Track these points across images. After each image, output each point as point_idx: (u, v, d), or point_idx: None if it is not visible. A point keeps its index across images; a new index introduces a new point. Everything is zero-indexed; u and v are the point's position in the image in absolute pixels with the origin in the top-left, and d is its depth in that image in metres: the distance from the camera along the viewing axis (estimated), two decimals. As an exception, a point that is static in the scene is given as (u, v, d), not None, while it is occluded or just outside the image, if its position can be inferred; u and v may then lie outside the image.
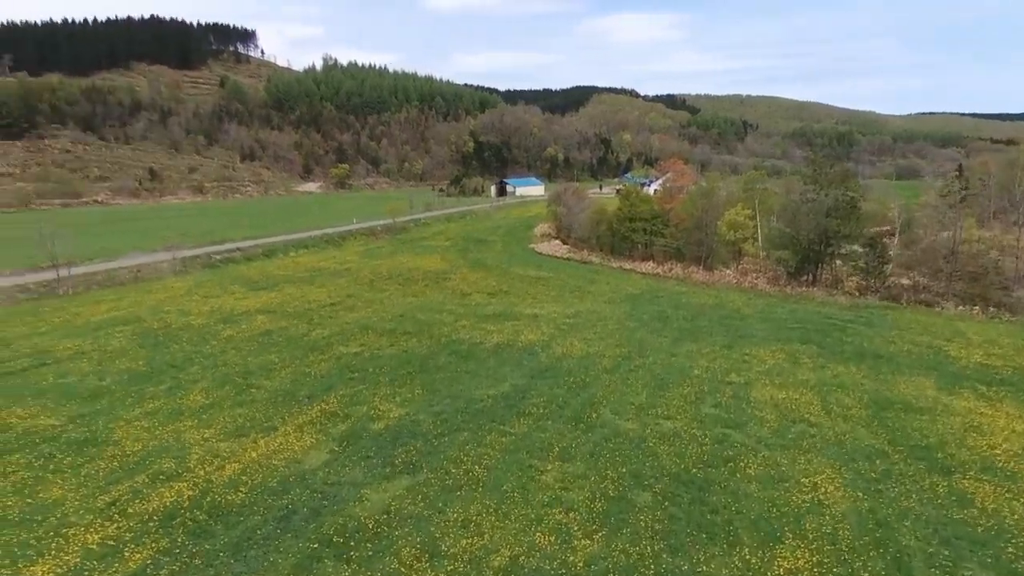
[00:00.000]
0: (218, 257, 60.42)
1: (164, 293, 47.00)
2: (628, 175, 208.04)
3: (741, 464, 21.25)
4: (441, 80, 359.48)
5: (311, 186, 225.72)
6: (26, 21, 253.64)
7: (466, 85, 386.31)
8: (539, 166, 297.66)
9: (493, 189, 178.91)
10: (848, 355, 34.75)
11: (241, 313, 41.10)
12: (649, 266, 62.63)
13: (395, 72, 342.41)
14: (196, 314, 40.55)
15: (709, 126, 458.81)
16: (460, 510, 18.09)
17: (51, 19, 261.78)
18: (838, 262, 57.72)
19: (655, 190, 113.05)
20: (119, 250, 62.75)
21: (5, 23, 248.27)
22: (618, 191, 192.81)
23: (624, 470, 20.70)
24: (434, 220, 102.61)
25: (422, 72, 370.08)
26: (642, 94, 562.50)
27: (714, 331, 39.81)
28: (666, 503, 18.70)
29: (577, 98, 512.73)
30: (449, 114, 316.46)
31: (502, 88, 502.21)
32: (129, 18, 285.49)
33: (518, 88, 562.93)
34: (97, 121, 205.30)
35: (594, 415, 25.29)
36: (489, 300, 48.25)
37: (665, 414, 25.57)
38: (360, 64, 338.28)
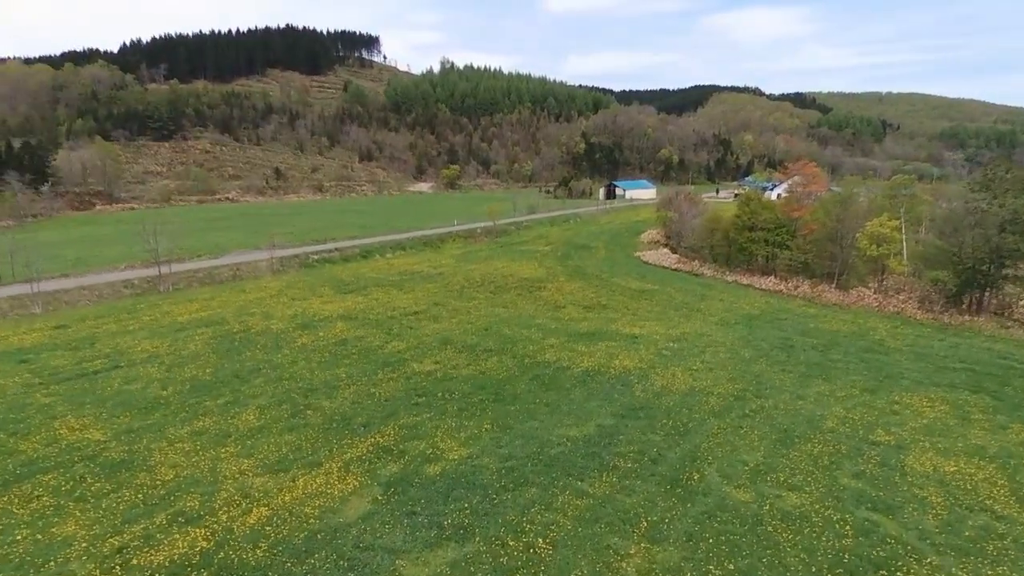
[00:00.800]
0: (315, 257, 60.31)
1: (256, 293, 46.73)
2: (749, 179, 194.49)
3: (898, 575, 15.62)
4: (554, 81, 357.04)
5: (423, 186, 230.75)
6: (180, 33, 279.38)
7: (580, 86, 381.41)
8: (652, 168, 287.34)
9: (601, 191, 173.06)
10: (1039, 412, 27.07)
11: (322, 319, 39.50)
12: (770, 282, 55.25)
13: (509, 74, 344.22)
14: (279, 318, 39.41)
15: (842, 126, 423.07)
16: (510, 609, 14.07)
17: (200, 31, 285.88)
18: (1012, 286, 47.73)
19: (778, 195, 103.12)
20: (226, 247, 64.54)
21: (162, 36, 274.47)
22: (736, 195, 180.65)
23: (732, 567, 15.76)
24: (536, 223, 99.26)
25: (537, 74, 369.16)
26: (766, 92, 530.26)
27: (851, 367, 33.01)
28: (791, 631, 13.63)
29: (695, 98, 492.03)
30: (561, 115, 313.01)
31: (617, 89, 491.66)
32: (267, 28, 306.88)
33: (633, 88, 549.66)
34: (234, 124, 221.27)
35: (696, 476, 20.36)
36: (584, 315, 43.84)
37: (789, 482, 20.13)
38: (475, 66, 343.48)
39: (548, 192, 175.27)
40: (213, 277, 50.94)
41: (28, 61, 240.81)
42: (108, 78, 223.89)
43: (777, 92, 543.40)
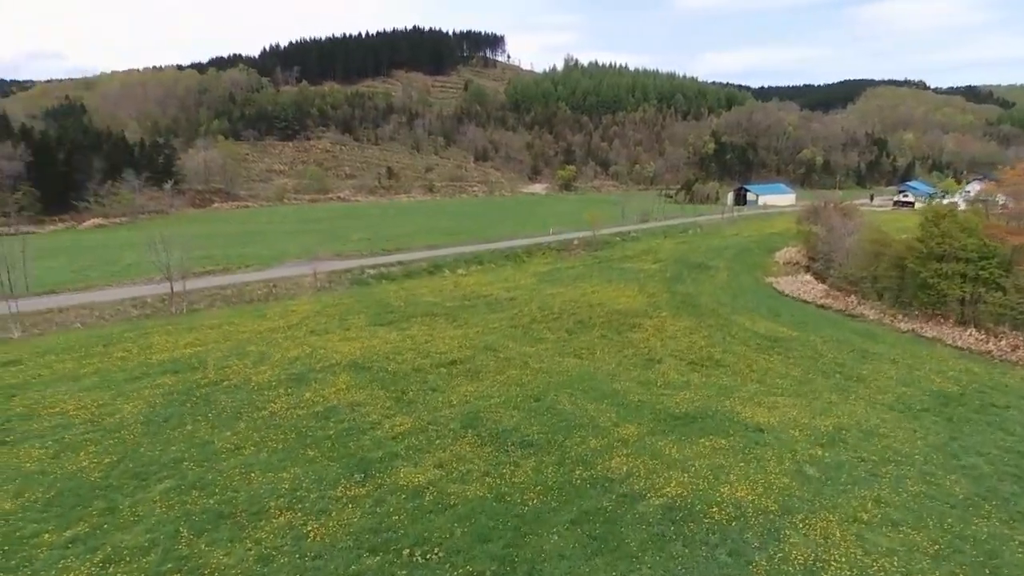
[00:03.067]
0: (372, 272, 51.66)
1: (277, 320, 38.40)
2: (912, 183, 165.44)
3: None
4: (683, 77, 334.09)
5: (537, 187, 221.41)
6: (313, 37, 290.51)
7: (713, 83, 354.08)
8: (791, 171, 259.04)
9: (729, 196, 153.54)
10: None
11: (326, 367, 29.94)
12: (970, 337, 38.59)
13: (635, 70, 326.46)
14: (273, 363, 30.36)
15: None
16: None
17: (332, 35, 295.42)
18: None
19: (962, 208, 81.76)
20: (284, 255, 57.73)
21: (297, 40, 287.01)
22: (896, 203, 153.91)
23: None
24: (647, 233, 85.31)
25: (668, 71, 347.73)
26: (931, 86, 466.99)
27: None
28: None
29: (845, 93, 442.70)
30: (690, 113, 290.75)
31: (755, 85, 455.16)
32: (394, 30, 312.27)
33: (773, 85, 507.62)
34: (355, 124, 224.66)
35: None
36: (687, 377, 31.02)
37: None
38: (600, 64, 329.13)
39: (668, 196, 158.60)
40: (242, 295, 43.50)
41: (180, 67, 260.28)
42: (245, 81, 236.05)
43: (944, 85, 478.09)
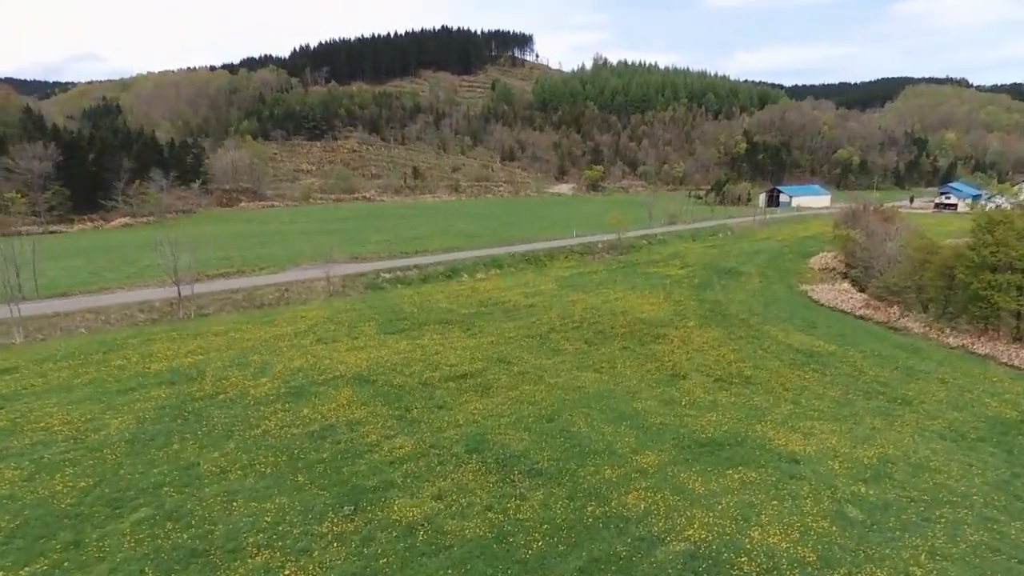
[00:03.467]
0: (387, 276, 50.19)
1: (286, 326, 37.09)
2: (955, 185, 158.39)
3: None
4: (715, 75, 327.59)
5: (563, 187, 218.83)
6: (343, 38, 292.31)
7: (745, 81, 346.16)
8: (826, 171, 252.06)
9: (761, 197, 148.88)
10: None
11: (328, 380, 28.41)
12: (1028, 354, 35.50)
13: (665, 69, 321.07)
14: (274, 374, 28.94)
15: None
16: None
17: (362, 35, 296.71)
18: None
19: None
20: (300, 257, 56.64)
21: (328, 41, 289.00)
22: (937, 205, 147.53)
23: None
24: (675, 236, 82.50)
25: (699, 69, 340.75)
26: (974, 84, 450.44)
27: None
28: None
29: (883, 91, 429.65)
30: (721, 112, 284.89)
31: (788, 84, 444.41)
32: (423, 29, 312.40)
33: (808, 83, 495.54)
34: (382, 123, 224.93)
35: None
36: (714, 396, 28.71)
37: None
38: (630, 63, 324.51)
39: (697, 197, 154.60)
40: (252, 300, 42.32)
41: (213, 68, 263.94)
42: (275, 81, 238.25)
43: (988, 83, 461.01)
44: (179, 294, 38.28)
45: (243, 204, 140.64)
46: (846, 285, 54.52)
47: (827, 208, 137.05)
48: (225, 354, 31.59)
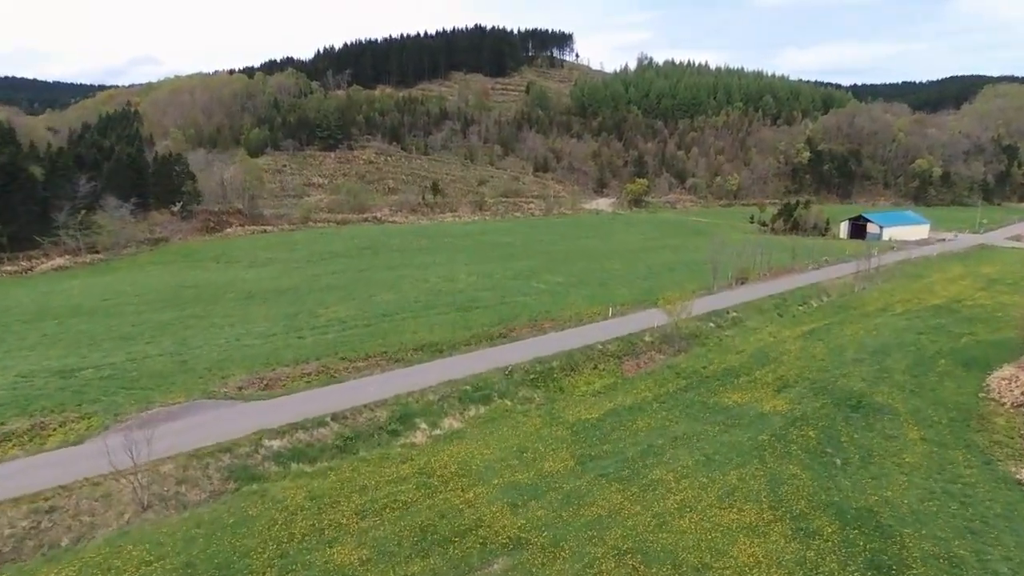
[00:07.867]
0: (258, 455, 28.82)
1: None
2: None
3: None
4: (773, 76, 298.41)
5: (602, 202, 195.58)
6: (369, 39, 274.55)
7: (802, 81, 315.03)
8: (901, 184, 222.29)
9: (843, 227, 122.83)
10: None
11: None
12: None
13: (717, 69, 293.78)
14: None
15: None
16: None
17: (389, 36, 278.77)
18: None
19: None
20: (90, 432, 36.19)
21: (353, 42, 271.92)
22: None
23: None
24: (752, 309, 58.87)
25: (749, 69, 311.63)
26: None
27: None
28: None
29: (955, 92, 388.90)
30: (780, 116, 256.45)
31: (846, 83, 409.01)
32: (455, 29, 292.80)
33: (867, 83, 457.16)
34: (403, 131, 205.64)
35: None
36: None
37: None
38: (677, 63, 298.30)
39: (762, 224, 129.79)
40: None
41: (232, 72, 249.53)
42: (293, 86, 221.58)
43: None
44: None
45: (231, 230, 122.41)
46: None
47: (926, 241, 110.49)
48: None
